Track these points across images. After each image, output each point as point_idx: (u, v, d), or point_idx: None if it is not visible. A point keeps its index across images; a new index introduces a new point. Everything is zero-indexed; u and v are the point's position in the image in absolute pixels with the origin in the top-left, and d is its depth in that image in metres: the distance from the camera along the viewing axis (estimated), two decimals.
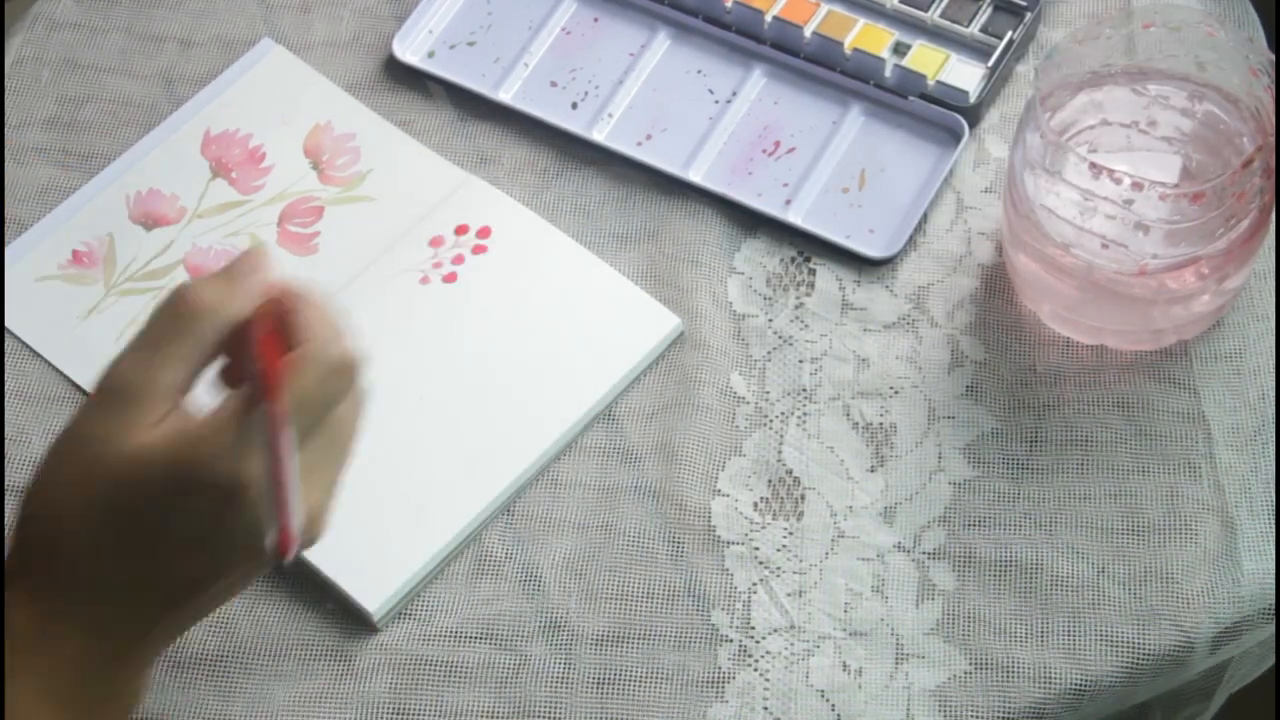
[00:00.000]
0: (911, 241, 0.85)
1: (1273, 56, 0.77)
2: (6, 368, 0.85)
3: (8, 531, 0.63)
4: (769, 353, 0.83)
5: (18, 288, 0.87)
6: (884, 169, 0.87)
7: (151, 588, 0.62)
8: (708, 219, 0.87)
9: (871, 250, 0.85)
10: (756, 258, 0.86)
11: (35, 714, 0.61)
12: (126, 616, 0.62)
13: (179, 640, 0.65)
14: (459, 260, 0.86)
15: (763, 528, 0.79)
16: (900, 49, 0.90)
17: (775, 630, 0.76)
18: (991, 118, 0.88)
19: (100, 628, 0.61)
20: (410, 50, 0.93)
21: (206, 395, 0.62)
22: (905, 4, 0.91)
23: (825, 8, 0.91)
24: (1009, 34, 0.89)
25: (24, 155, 0.91)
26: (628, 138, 0.89)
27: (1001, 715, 0.74)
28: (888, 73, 0.89)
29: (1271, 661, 0.83)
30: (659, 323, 0.83)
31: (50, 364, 0.85)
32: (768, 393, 0.82)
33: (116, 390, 0.61)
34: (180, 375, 0.61)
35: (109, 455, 0.60)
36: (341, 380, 0.62)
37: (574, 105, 0.91)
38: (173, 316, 0.62)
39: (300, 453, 0.60)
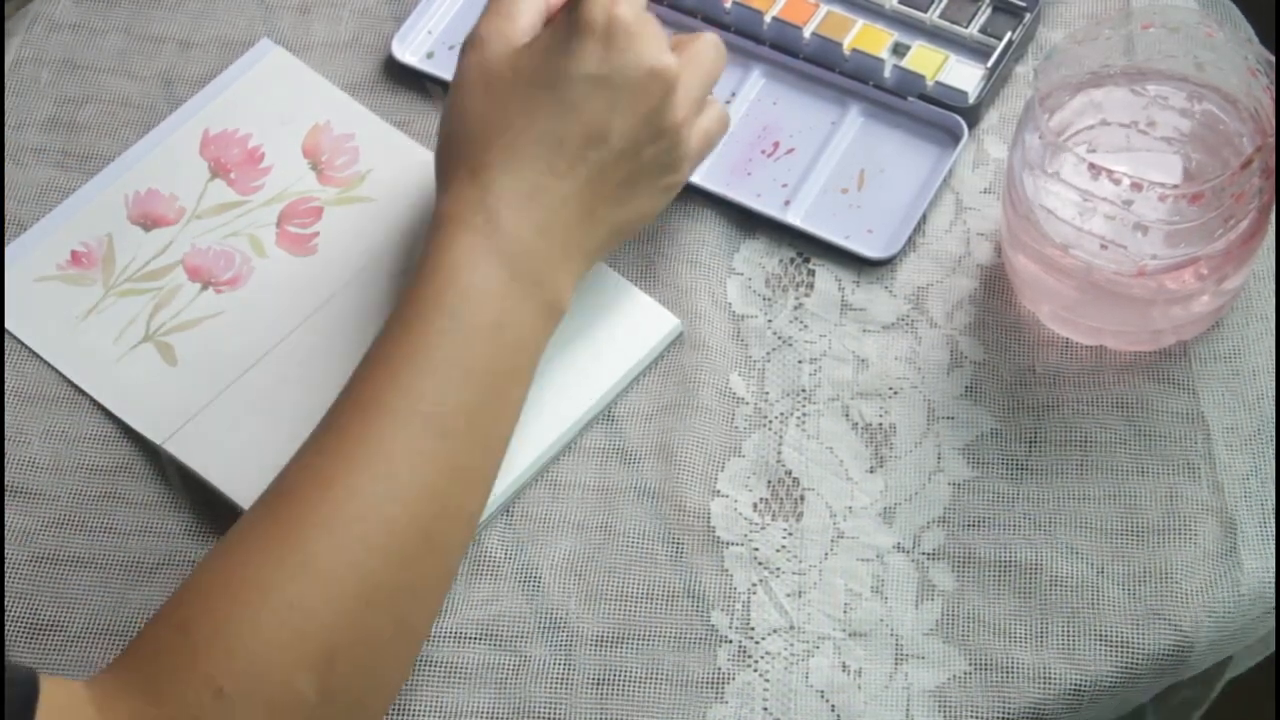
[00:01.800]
0: (910, 242, 0.85)
1: (1271, 57, 0.77)
2: (6, 368, 0.85)
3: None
4: (768, 353, 0.83)
5: (17, 288, 0.87)
6: (883, 169, 0.87)
7: (565, 145, 0.75)
8: (707, 219, 0.87)
9: (871, 251, 0.85)
10: (755, 258, 0.86)
11: (482, 265, 0.73)
12: (553, 178, 0.75)
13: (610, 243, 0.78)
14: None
15: (762, 528, 0.79)
16: (899, 50, 0.90)
17: (775, 631, 0.76)
18: (990, 118, 0.89)
19: (532, 190, 0.75)
20: (409, 51, 0.93)
21: None
22: (904, 5, 0.91)
23: (824, 8, 0.91)
24: (1008, 34, 0.89)
25: (23, 156, 0.91)
26: None
27: (1001, 716, 0.74)
28: (887, 73, 0.89)
29: (1269, 651, 0.83)
30: (658, 323, 0.83)
31: (49, 364, 0.85)
32: (767, 393, 0.82)
33: (471, 42, 0.77)
34: (523, 25, 0.78)
35: (493, 59, 0.76)
36: (721, 57, 0.80)
37: None
38: None
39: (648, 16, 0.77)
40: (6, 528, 0.80)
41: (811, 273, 0.85)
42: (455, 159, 0.76)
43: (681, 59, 0.77)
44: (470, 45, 0.77)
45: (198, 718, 0.65)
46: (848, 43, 0.89)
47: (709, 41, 0.79)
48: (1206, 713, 0.87)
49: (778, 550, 0.78)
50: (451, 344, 0.72)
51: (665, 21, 0.92)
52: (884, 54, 0.89)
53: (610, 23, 0.75)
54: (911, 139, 0.88)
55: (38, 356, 0.85)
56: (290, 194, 0.89)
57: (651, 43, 0.75)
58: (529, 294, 0.74)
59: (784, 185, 0.87)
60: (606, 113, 0.75)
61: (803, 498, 0.79)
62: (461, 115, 0.77)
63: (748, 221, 0.87)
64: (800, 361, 0.83)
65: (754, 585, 0.77)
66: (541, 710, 0.75)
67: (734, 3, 0.91)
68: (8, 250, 0.88)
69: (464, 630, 0.77)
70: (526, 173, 0.75)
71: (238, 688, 0.65)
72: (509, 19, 0.77)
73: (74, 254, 0.88)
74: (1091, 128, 0.80)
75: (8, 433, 0.83)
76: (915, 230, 0.85)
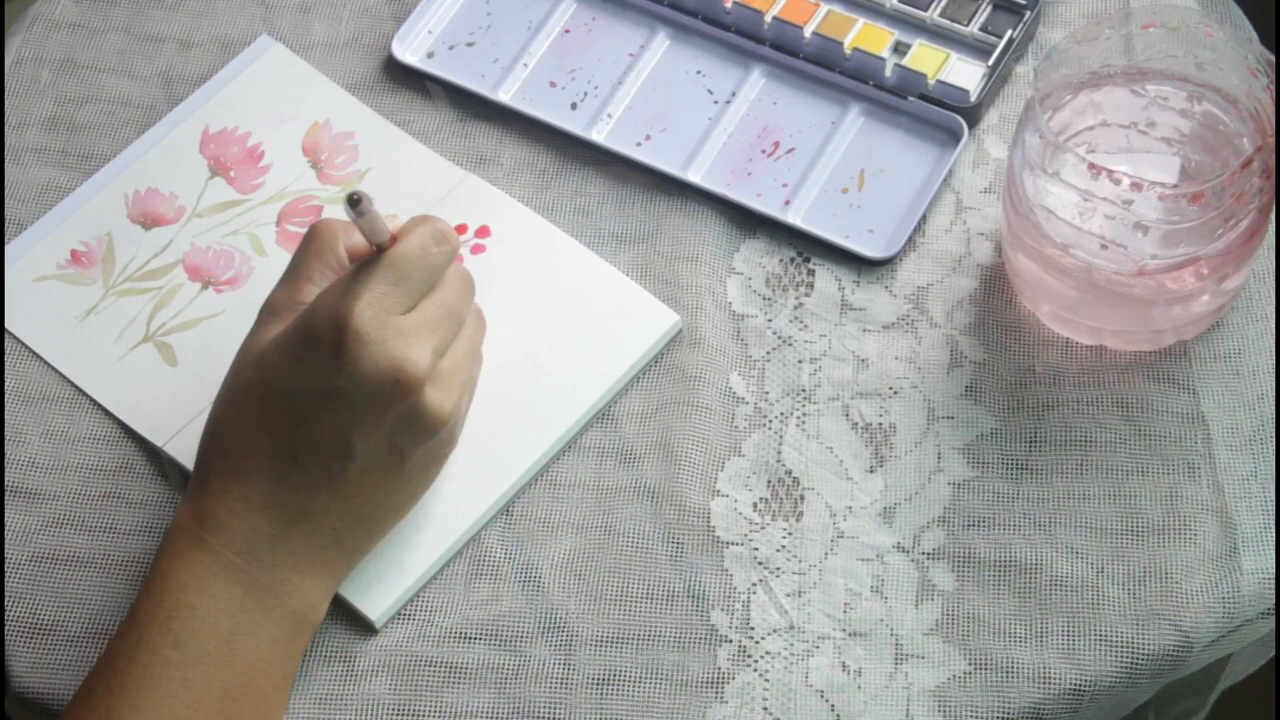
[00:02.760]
0: (911, 242, 0.85)
1: (1271, 57, 0.77)
2: (6, 368, 0.85)
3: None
4: (768, 353, 0.83)
5: (16, 288, 0.87)
6: (883, 169, 0.87)
7: (301, 458, 0.70)
8: (707, 219, 0.87)
9: (871, 250, 0.85)
10: (755, 258, 0.86)
11: (211, 582, 0.69)
12: (286, 490, 0.70)
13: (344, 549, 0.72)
14: (458, 259, 0.86)
15: (762, 528, 0.79)
16: (900, 49, 0.90)
17: (774, 630, 0.76)
18: (991, 118, 0.89)
19: (264, 503, 0.70)
20: (409, 51, 0.93)
21: None
22: (905, 3, 0.91)
23: (825, 8, 0.91)
24: (1009, 33, 0.89)
25: (23, 155, 0.91)
26: (627, 138, 0.89)
27: (1001, 716, 0.74)
28: (888, 72, 0.89)
29: (1269, 655, 0.83)
30: (658, 319, 0.83)
31: (49, 364, 0.85)
32: (767, 393, 0.82)
33: (264, 311, 0.73)
34: (314, 291, 0.73)
35: (251, 352, 0.72)
36: (441, 246, 0.72)
37: (573, 105, 0.91)
38: (310, 243, 0.74)
39: (411, 312, 0.71)
40: (6, 528, 0.80)
41: (811, 272, 0.85)
42: (199, 460, 0.73)
43: (424, 316, 0.71)
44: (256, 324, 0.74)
45: None
46: (848, 42, 0.89)
47: (453, 288, 0.74)
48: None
49: (778, 550, 0.78)
50: (179, 674, 0.68)
51: (665, 21, 0.93)
52: (885, 53, 0.89)
53: (339, 330, 0.69)
54: (912, 139, 0.88)
55: (38, 356, 0.85)
56: (290, 192, 0.89)
57: (392, 344, 0.69)
58: (267, 608, 0.70)
59: (784, 185, 0.87)
60: (346, 426, 0.70)
61: (803, 497, 0.79)
62: (214, 412, 0.73)
63: (748, 221, 0.87)
64: (800, 361, 0.83)
65: (754, 585, 0.77)
66: (541, 710, 0.75)
67: (734, 2, 0.91)
68: (8, 250, 0.88)
69: (464, 630, 0.77)
70: (259, 483, 0.70)
71: None
72: (291, 289, 0.73)
73: (74, 253, 0.88)
74: (1091, 128, 0.80)
75: (8, 433, 0.83)
76: (915, 230, 0.85)
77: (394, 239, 0.73)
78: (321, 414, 0.69)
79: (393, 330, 0.69)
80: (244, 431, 0.71)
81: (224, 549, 0.70)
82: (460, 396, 0.73)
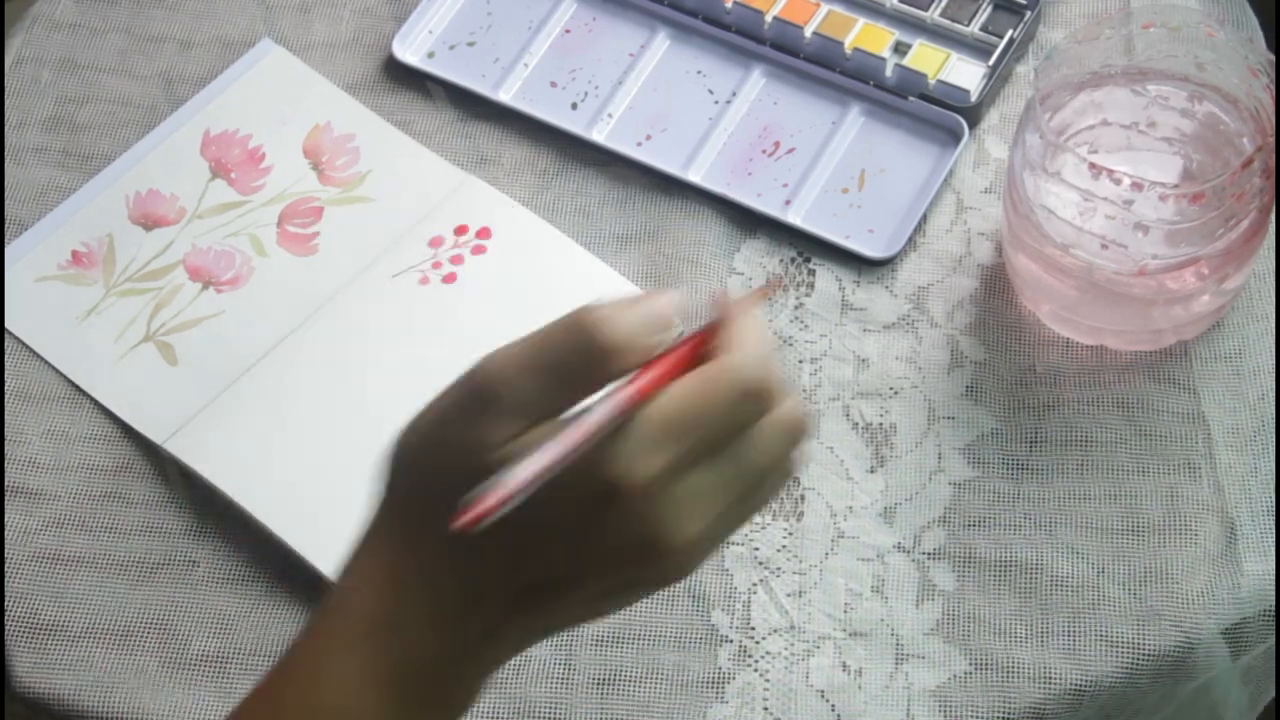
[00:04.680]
0: (911, 242, 0.85)
1: (1272, 57, 0.77)
2: (6, 368, 0.85)
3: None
4: None
5: (17, 288, 0.87)
6: (884, 169, 0.87)
7: (502, 588, 0.58)
8: (707, 219, 0.87)
9: (871, 250, 0.85)
10: (756, 258, 0.86)
11: (361, 694, 0.58)
12: (474, 611, 0.58)
13: (468, 672, 0.60)
14: (458, 260, 0.86)
15: (762, 528, 0.79)
16: (900, 49, 0.90)
17: (775, 630, 0.76)
18: (991, 118, 0.89)
19: (446, 620, 0.58)
20: (410, 51, 0.93)
21: None
22: (905, 3, 0.91)
23: (825, 8, 0.91)
24: (1009, 33, 0.89)
25: (24, 155, 0.91)
26: (627, 138, 0.89)
27: (1001, 715, 0.74)
28: (888, 72, 0.89)
29: (1268, 698, 0.83)
30: None
31: (49, 364, 0.85)
32: None
33: (493, 402, 0.57)
34: (564, 405, 0.57)
35: (474, 464, 0.56)
36: (745, 405, 0.56)
37: (574, 105, 0.91)
38: (581, 349, 0.57)
39: (690, 475, 0.56)
40: (6, 528, 0.80)
41: (812, 272, 0.85)
42: (388, 523, 0.60)
43: (706, 484, 0.57)
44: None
45: None
46: (849, 42, 0.89)
47: (745, 453, 0.58)
48: None
49: (778, 550, 0.78)
50: None
51: (665, 21, 0.93)
52: (885, 53, 0.89)
53: (610, 487, 0.55)
54: (912, 139, 0.88)
55: (38, 356, 0.85)
56: (291, 194, 0.89)
57: (662, 513, 0.56)
58: (416, 716, 0.59)
59: (784, 185, 0.87)
60: (573, 568, 0.58)
61: (803, 497, 0.79)
62: (413, 474, 0.59)
63: (748, 221, 0.87)
64: (801, 361, 0.83)
65: (754, 585, 0.77)
66: (541, 710, 0.75)
67: (735, 2, 0.91)
68: (8, 250, 0.88)
69: None
70: (456, 596, 0.58)
71: None
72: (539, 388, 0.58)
73: (74, 254, 0.88)
74: (1092, 128, 0.80)
75: (8, 433, 0.83)
76: (916, 230, 0.85)
77: (680, 362, 0.57)
78: (545, 551, 0.57)
79: (666, 500, 0.56)
80: (445, 549, 0.58)
81: (391, 656, 0.59)
82: (706, 557, 0.60)
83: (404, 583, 0.58)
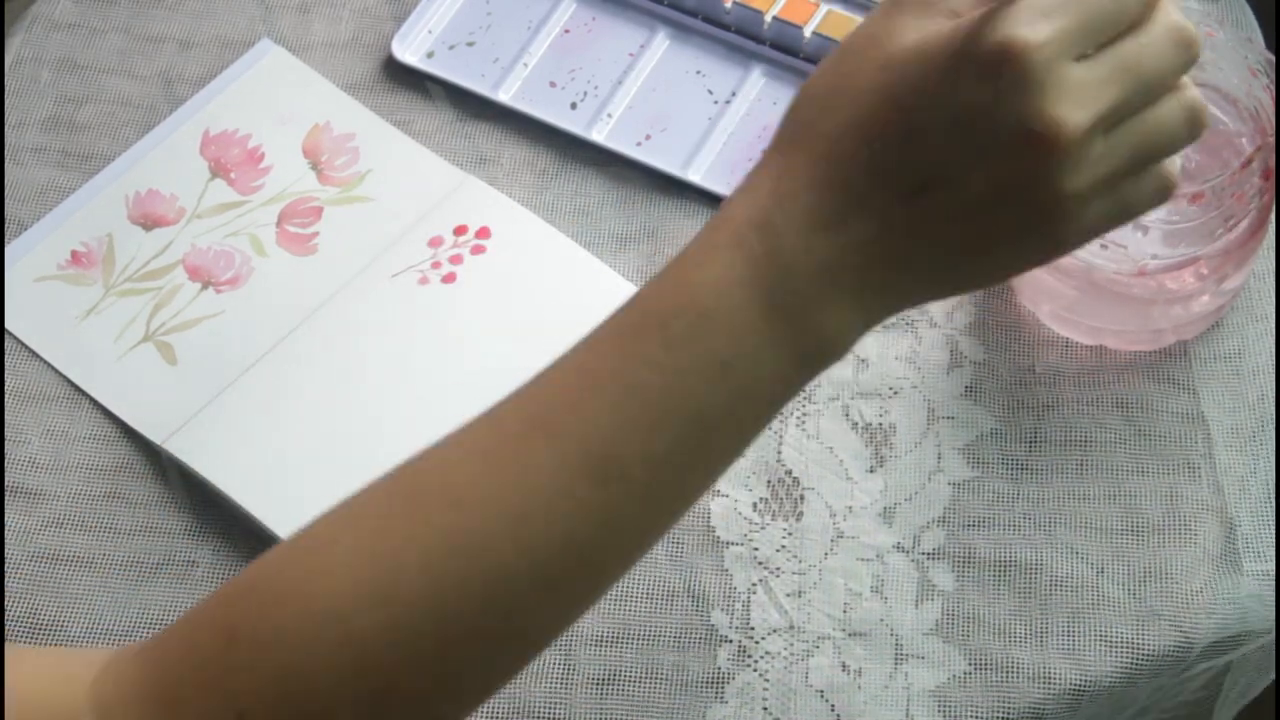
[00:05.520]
0: None
1: (1272, 57, 0.77)
2: (6, 368, 0.85)
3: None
4: None
5: (17, 288, 0.87)
6: None
7: (891, 180, 0.57)
8: (707, 219, 0.86)
9: None
10: None
11: (730, 292, 0.58)
12: (860, 212, 0.58)
13: (884, 300, 0.59)
14: (458, 261, 0.86)
15: (762, 528, 0.79)
16: None
17: (774, 630, 0.76)
18: None
19: (829, 222, 0.58)
20: (409, 50, 0.93)
21: None
22: None
23: (825, 8, 0.91)
24: None
25: (23, 155, 0.91)
26: (627, 138, 0.89)
27: (1001, 715, 0.74)
28: None
29: (1268, 679, 0.83)
30: None
31: (49, 364, 0.85)
32: None
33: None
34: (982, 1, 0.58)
35: (889, 45, 0.58)
36: (1179, 54, 0.57)
37: (573, 105, 0.91)
38: None
39: (1079, 64, 0.55)
40: (6, 528, 0.80)
41: None
42: (780, 141, 0.61)
43: (1098, 72, 0.56)
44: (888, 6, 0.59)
45: None
46: None
47: (1154, 40, 0.57)
48: None
49: (778, 550, 0.78)
50: (657, 378, 0.58)
51: (665, 21, 0.93)
52: None
53: (1004, 60, 0.55)
54: None
55: (38, 356, 0.85)
56: (290, 194, 0.89)
57: (1051, 96, 0.55)
58: (783, 338, 0.58)
59: None
60: (955, 160, 0.57)
61: (803, 497, 0.79)
62: (806, 99, 0.60)
63: None
64: None
65: (754, 585, 0.77)
66: (541, 710, 0.75)
67: (734, 2, 0.91)
68: (8, 250, 0.88)
69: None
70: (836, 198, 0.58)
71: (264, 715, 0.56)
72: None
73: (74, 254, 0.88)
74: None
75: (8, 433, 0.83)
76: None
77: None
78: (935, 138, 0.57)
79: (1057, 79, 0.55)
80: (839, 133, 0.58)
81: (765, 258, 0.58)
82: (1100, 193, 0.58)
83: (787, 185, 0.59)
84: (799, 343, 0.59)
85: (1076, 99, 0.55)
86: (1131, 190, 0.59)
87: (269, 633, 0.57)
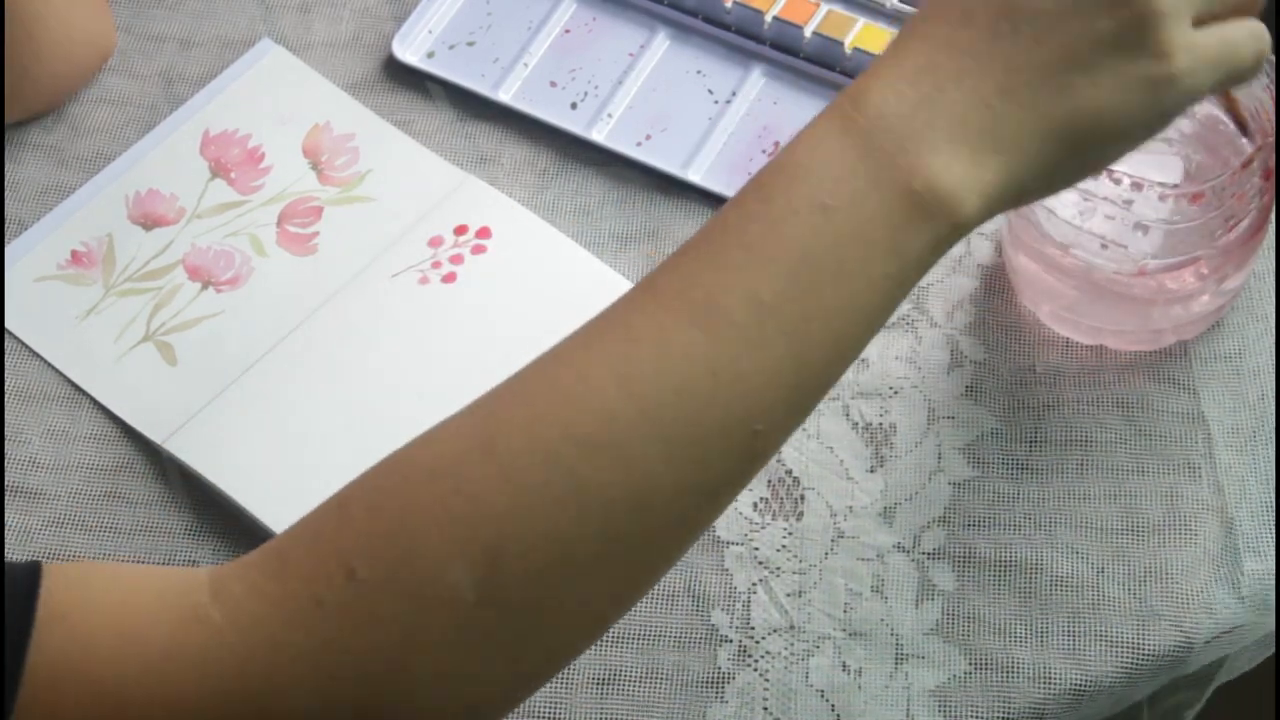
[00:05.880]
0: None
1: (1272, 57, 0.77)
2: (6, 368, 0.85)
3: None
4: None
5: (17, 288, 0.87)
6: None
7: (977, 23, 0.58)
8: (707, 219, 0.86)
9: None
10: None
11: (825, 140, 0.58)
12: (942, 56, 0.58)
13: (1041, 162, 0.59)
14: (458, 260, 0.86)
15: (762, 528, 0.79)
16: None
17: (775, 630, 0.76)
18: None
19: (912, 71, 0.58)
20: (410, 50, 0.93)
21: None
22: (905, 3, 0.91)
23: (825, 7, 0.91)
24: None
25: (24, 155, 0.91)
26: (627, 138, 0.89)
27: (1001, 715, 0.74)
28: None
29: (1268, 653, 0.83)
30: None
31: (49, 364, 0.85)
32: None
33: None
34: None
35: None
36: None
37: (573, 105, 0.91)
38: None
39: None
40: (6, 528, 0.80)
41: None
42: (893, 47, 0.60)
43: None
44: None
45: (320, 601, 0.55)
46: (849, 42, 0.89)
47: None
48: (1204, 714, 0.87)
49: (778, 550, 0.78)
50: (755, 224, 0.57)
51: (665, 21, 0.93)
52: None
53: None
54: None
55: (38, 356, 0.85)
56: (290, 194, 0.89)
57: None
58: (881, 176, 0.57)
59: None
60: (1055, 6, 0.58)
61: (803, 497, 0.79)
62: None
63: None
64: None
65: (754, 585, 0.77)
66: (541, 710, 0.75)
67: (734, 2, 0.91)
68: (8, 250, 0.88)
69: None
70: (921, 48, 0.58)
71: (374, 572, 0.55)
72: None
73: (74, 253, 0.88)
74: None
75: (8, 433, 0.83)
76: None
77: None
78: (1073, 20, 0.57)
79: None
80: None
81: (856, 112, 0.58)
82: (1196, 51, 0.59)
83: (873, 64, 0.59)
84: (902, 184, 0.57)
85: None
86: (1233, 31, 0.60)
87: (379, 496, 0.56)
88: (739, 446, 0.58)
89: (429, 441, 0.58)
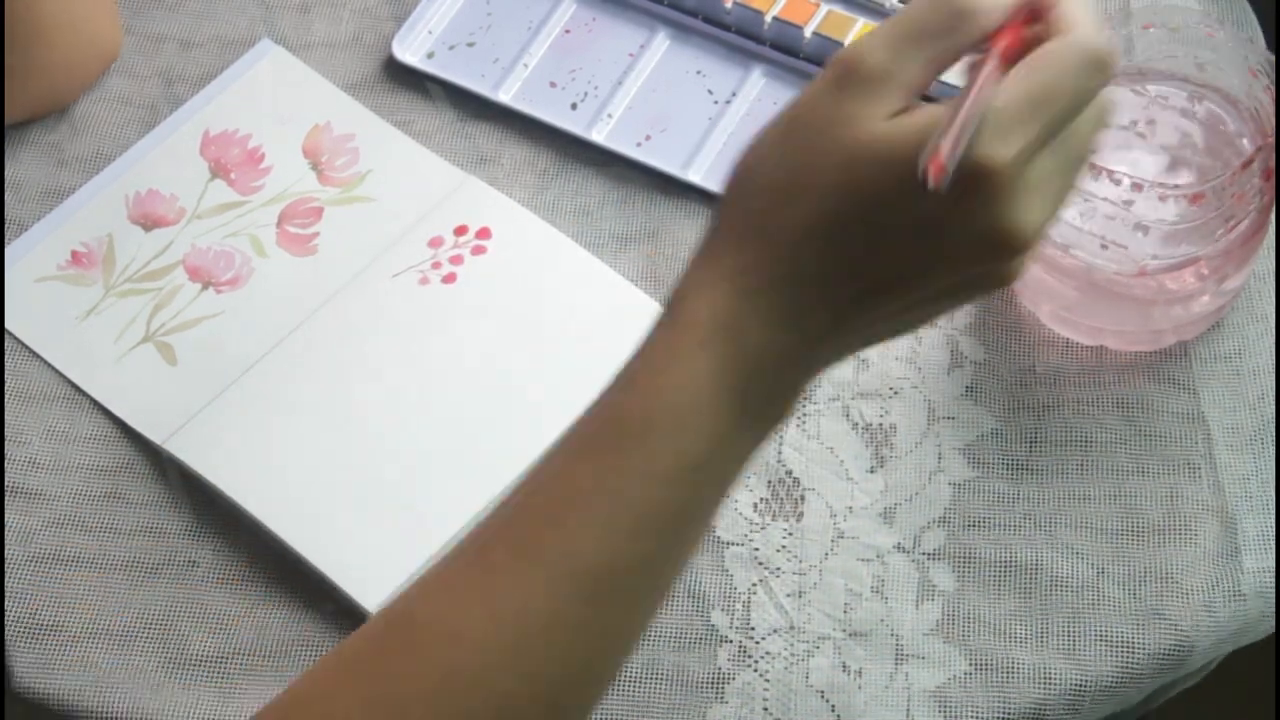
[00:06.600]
0: None
1: (1272, 57, 0.77)
2: (6, 368, 0.85)
3: None
4: None
5: (17, 288, 0.87)
6: None
7: (852, 280, 0.57)
8: (707, 219, 0.86)
9: None
10: None
11: (703, 396, 0.58)
12: (820, 309, 0.58)
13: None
14: (458, 261, 0.86)
15: (762, 528, 0.79)
16: None
17: (775, 631, 0.76)
18: None
19: (791, 318, 0.58)
20: (410, 51, 0.93)
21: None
22: (904, 3, 0.91)
23: (825, 8, 0.91)
24: None
25: (24, 155, 0.91)
26: (627, 138, 0.89)
27: (1001, 715, 0.74)
28: None
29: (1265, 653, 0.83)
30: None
31: (49, 364, 0.85)
32: None
33: (860, 75, 0.57)
34: (929, 75, 0.57)
35: (846, 138, 0.56)
36: (1093, 79, 0.56)
37: (573, 106, 0.91)
38: (942, 9, 0.57)
39: (1039, 158, 0.55)
40: (6, 528, 0.80)
41: None
42: (731, 226, 0.59)
43: (1047, 169, 0.56)
44: (839, 67, 0.57)
45: None
46: (849, 41, 0.89)
47: (1084, 131, 0.57)
48: (1204, 714, 0.87)
49: (778, 550, 0.78)
50: (639, 488, 0.58)
51: (665, 21, 0.93)
52: None
53: (974, 173, 0.54)
54: None
55: (38, 356, 0.85)
56: (290, 194, 0.89)
57: (1017, 202, 0.55)
58: (751, 428, 0.60)
59: None
60: (920, 265, 0.57)
61: (803, 498, 0.79)
62: (764, 181, 0.58)
63: None
64: None
65: (754, 585, 0.77)
66: None
67: (734, 2, 0.91)
68: (8, 250, 0.88)
69: None
70: (798, 295, 0.57)
71: None
72: (900, 59, 0.57)
73: (74, 254, 0.88)
74: None
75: (8, 433, 0.83)
76: None
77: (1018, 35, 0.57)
78: (898, 245, 0.57)
79: (1021, 186, 0.55)
80: (802, 234, 0.57)
81: (732, 359, 0.58)
82: (1043, 221, 0.58)
83: (748, 282, 0.58)
84: (763, 427, 0.60)
85: (1040, 198, 0.56)
86: (1069, 145, 0.58)
87: None
88: (613, 678, 0.61)
89: (318, 685, 0.59)
